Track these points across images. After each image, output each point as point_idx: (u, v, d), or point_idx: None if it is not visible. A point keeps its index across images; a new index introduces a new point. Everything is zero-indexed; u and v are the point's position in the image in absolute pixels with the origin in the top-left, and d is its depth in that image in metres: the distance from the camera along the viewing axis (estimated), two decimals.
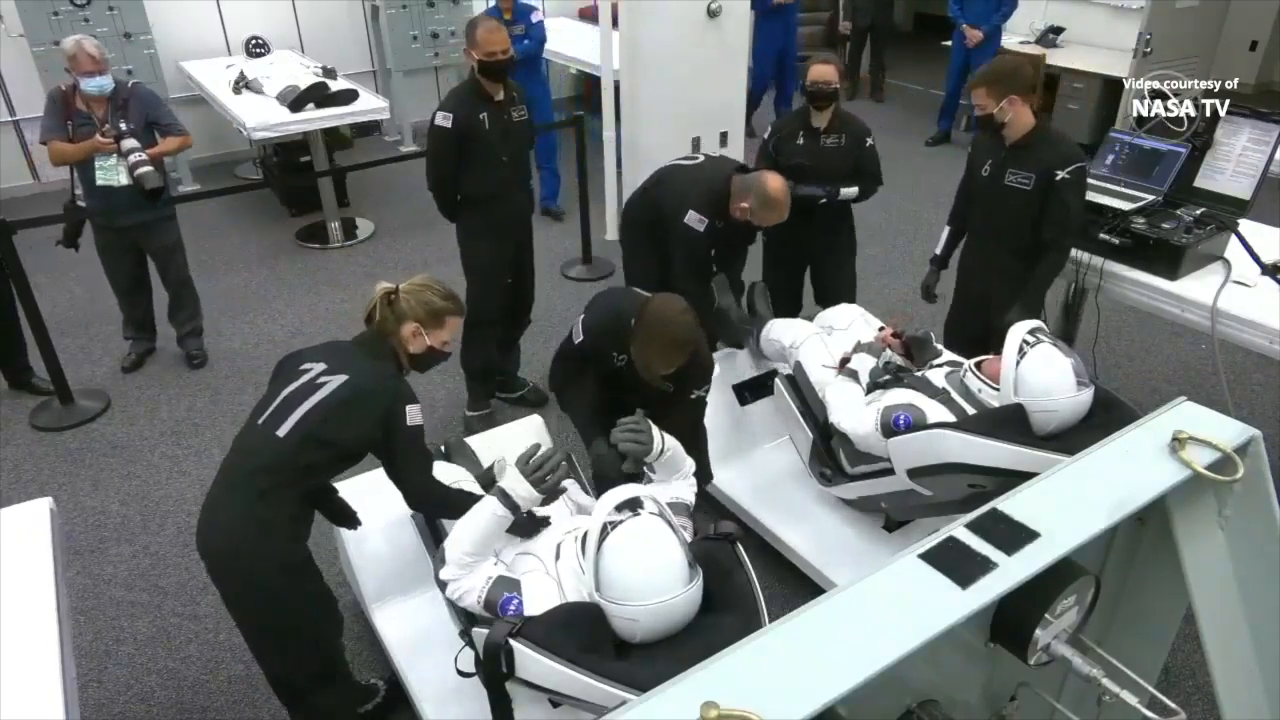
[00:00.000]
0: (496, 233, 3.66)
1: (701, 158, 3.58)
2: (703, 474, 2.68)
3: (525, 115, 3.64)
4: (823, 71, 3.51)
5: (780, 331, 3.21)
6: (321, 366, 2.16)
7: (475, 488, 2.43)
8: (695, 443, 2.64)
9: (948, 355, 2.90)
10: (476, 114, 3.43)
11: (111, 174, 3.83)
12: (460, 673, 2.07)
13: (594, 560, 1.76)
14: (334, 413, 2.08)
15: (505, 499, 1.99)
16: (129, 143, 3.75)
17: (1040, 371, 2.37)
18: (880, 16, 8.25)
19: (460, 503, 2.15)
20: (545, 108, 5.63)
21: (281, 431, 2.07)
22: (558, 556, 1.98)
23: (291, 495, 2.10)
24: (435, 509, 2.43)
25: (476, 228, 3.66)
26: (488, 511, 2.00)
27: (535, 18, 5.49)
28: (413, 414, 2.14)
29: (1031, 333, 2.44)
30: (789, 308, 3.99)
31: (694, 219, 3.22)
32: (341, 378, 2.12)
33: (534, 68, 5.56)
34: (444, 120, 3.41)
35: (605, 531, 1.76)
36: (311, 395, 2.10)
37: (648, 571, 1.72)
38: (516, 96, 3.59)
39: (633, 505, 1.81)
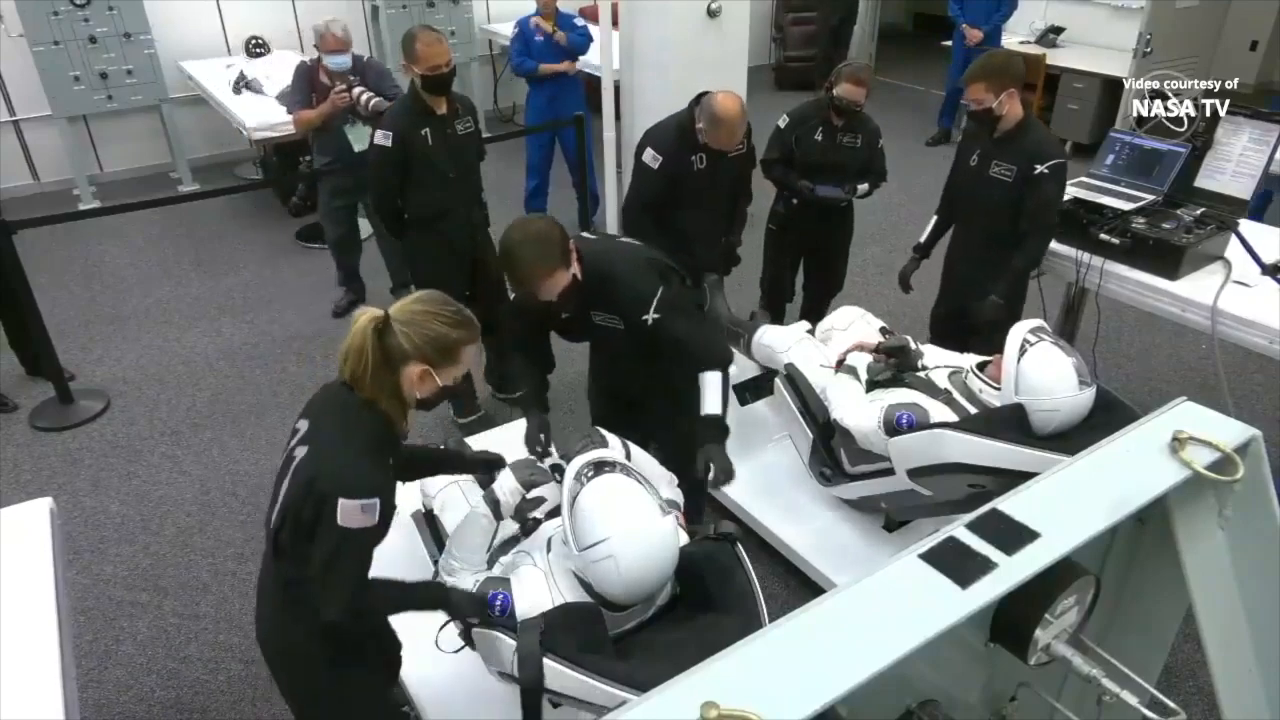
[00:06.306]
0: (447, 250, 3.54)
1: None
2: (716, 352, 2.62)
3: (472, 127, 3.53)
4: (853, 92, 3.62)
5: (772, 338, 3.22)
6: (305, 426, 1.80)
7: (474, 487, 2.43)
8: (694, 347, 2.54)
9: (930, 356, 2.89)
10: (418, 130, 3.33)
11: (361, 139, 4.23)
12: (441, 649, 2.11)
13: (569, 521, 1.80)
14: (292, 512, 1.72)
15: (493, 505, 2.06)
16: (359, 90, 4.20)
17: (1041, 369, 2.35)
18: (848, 14, 8.39)
19: (392, 600, 1.92)
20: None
21: (273, 526, 1.80)
22: (548, 549, 2.00)
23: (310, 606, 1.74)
24: (353, 621, 1.81)
25: (425, 246, 3.56)
26: (477, 518, 2.07)
27: (580, 24, 5.43)
28: (347, 511, 1.63)
29: (1033, 331, 2.43)
30: (782, 293, 4.18)
31: (650, 156, 3.33)
32: (304, 450, 1.73)
33: (573, 80, 5.49)
34: (384, 139, 3.32)
35: (575, 491, 1.81)
36: (284, 478, 1.76)
37: (617, 507, 1.77)
38: (460, 109, 3.48)
39: (598, 466, 1.85)
